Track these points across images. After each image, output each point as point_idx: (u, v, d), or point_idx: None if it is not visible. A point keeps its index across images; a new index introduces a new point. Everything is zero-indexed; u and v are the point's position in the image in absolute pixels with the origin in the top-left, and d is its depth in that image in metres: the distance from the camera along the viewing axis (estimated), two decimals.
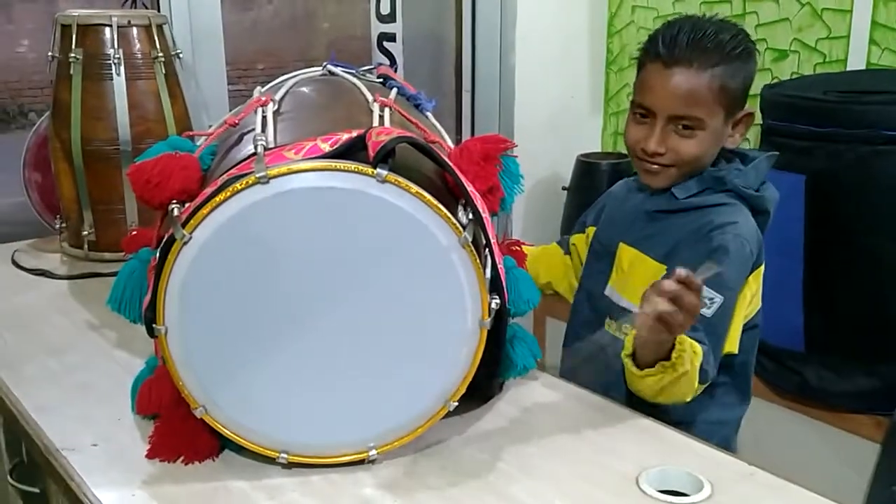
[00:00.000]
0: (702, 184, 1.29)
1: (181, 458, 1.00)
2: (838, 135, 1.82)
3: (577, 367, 1.34)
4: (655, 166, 1.29)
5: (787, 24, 2.30)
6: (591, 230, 1.45)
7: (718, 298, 1.20)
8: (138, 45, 1.72)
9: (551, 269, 1.51)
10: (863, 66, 2.15)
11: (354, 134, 0.96)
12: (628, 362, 1.14)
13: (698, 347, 1.13)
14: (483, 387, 1.11)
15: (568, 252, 1.51)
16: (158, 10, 2.09)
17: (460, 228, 0.94)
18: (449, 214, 0.94)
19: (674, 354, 1.09)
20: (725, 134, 1.29)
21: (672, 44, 1.25)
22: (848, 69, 2.18)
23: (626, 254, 1.33)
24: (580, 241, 1.48)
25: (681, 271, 1.02)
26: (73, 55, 1.67)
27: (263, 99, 1.11)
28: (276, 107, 1.09)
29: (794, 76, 2.29)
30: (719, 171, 1.29)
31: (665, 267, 1.25)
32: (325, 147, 0.95)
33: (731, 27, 1.29)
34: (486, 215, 1.01)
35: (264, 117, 1.06)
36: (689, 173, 1.30)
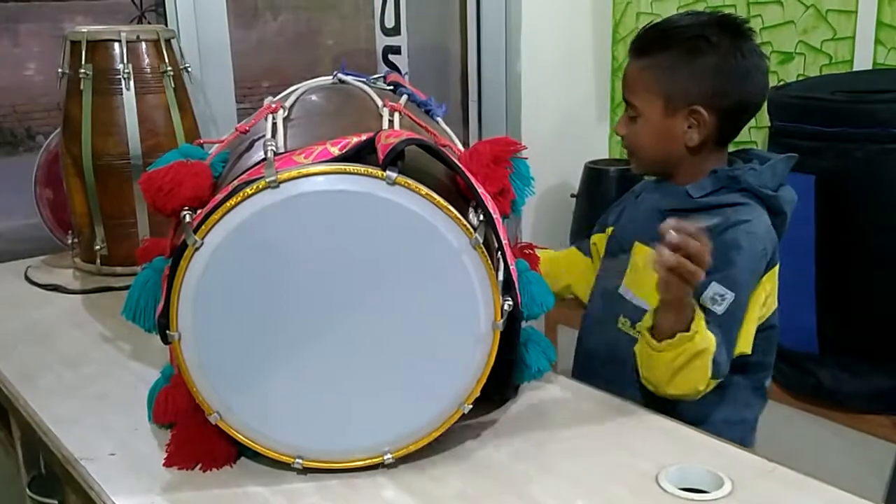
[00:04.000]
0: (716, 183, 1.29)
1: (199, 466, 1.00)
2: (847, 134, 1.82)
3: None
4: (628, 150, 1.37)
5: (792, 26, 2.30)
6: (610, 230, 1.45)
7: (729, 295, 1.19)
8: (147, 60, 1.72)
9: (572, 271, 1.51)
10: (869, 67, 2.15)
11: (364, 137, 0.96)
12: (647, 336, 1.14)
13: (711, 336, 1.13)
14: (498, 390, 1.10)
15: (589, 254, 1.51)
16: (166, 25, 2.11)
17: (471, 230, 0.93)
18: (459, 216, 0.93)
19: (693, 324, 1.09)
20: (677, 129, 1.29)
21: (639, 34, 1.32)
22: (854, 70, 2.18)
23: (641, 252, 1.33)
24: (600, 241, 1.47)
25: (672, 221, 1.05)
26: (83, 71, 1.68)
27: (273, 106, 1.11)
28: (286, 113, 1.10)
29: (801, 78, 2.29)
30: (734, 171, 1.29)
31: None
32: (335, 151, 0.95)
33: (704, 22, 1.29)
34: (497, 217, 1.01)
35: (274, 123, 1.07)
36: (656, 165, 1.36)
